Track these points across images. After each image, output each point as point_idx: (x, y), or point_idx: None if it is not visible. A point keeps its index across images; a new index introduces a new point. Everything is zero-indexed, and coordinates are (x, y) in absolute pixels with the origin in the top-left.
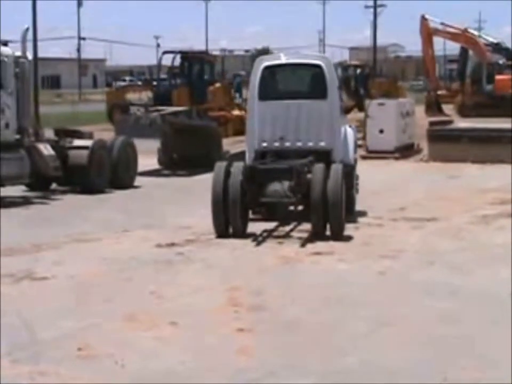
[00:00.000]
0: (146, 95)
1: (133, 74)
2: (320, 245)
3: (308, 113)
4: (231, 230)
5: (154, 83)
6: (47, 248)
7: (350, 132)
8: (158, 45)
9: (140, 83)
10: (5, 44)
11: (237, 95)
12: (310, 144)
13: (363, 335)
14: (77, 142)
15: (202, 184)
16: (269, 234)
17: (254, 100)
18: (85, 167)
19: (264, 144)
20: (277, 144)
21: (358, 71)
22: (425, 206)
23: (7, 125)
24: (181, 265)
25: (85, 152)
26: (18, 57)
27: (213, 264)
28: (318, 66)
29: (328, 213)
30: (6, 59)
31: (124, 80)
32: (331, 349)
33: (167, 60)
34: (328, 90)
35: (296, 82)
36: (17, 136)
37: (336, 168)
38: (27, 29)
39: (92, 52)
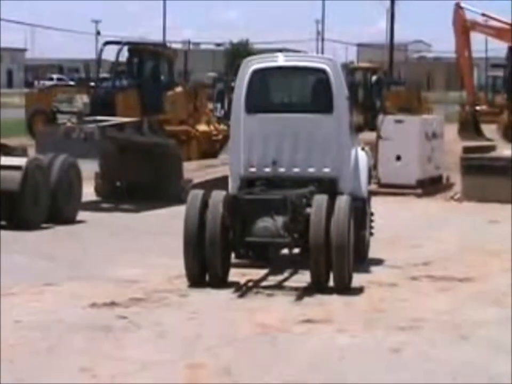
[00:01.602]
0: (80, 100)
1: (63, 71)
2: (315, 308)
3: (308, 131)
4: (207, 277)
5: (92, 84)
6: None
7: (362, 156)
8: (98, 33)
9: (72, 83)
10: None
11: (218, 106)
12: (311, 170)
13: None
14: (5, 161)
15: (155, 223)
16: (254, 284)
17: (240, 113)
18: (17, 194)
19: (252, 170)
20: (268, 169)
21: (369, 76)
22: (457, 261)
23: None
24: (124, 333)
25: (17, 175)
26: None
27: (167, 332)
28: (323, 71)
29: (332, 259)
30: None
31: (51, 79)
32: None
33: (109, 53)
34: (335, 102)
35: (294, 91)
36: None
37: (343, 201)
38: None
39: (7, 38)
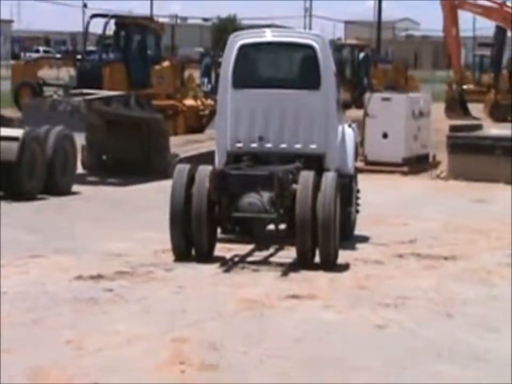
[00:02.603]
0: (67, 73)
1: (50, 44)
2: (301, 283)
3: (295, 107)
4: (193, 252)
5: (79, 57)
6: None
7: (349, 133)
8: (85, 5)
9: (58, 56)
10: None
11: (205, 80)
12: (298, 146)
13: None
14: (3, 132)
15: (141, 197)
16: (240, 259)
17: (227, 88)
18: (14, 165)
19: (239, 145)
20: (255, 145)
21: (356, 53)
22: (442, 240)
23: None
24: (110, 305)
25: (14, 145)
26: None
27: (153, 306)
28: (310, 46)
29: (318, 235)
30: None
31: (37, 51)
32: None
33: (96, 26)
34: (322, 78)
35: (281, 66)
36: None
37: (329, 177)
38: None
39: None
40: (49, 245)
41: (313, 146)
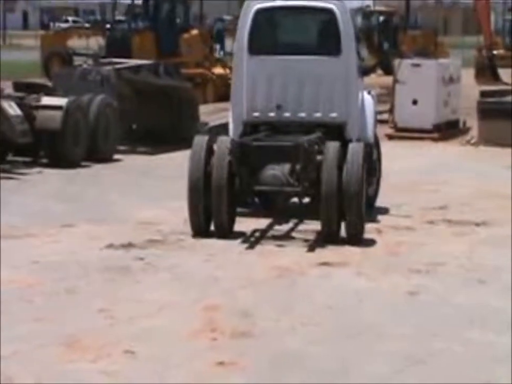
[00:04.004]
0: (96, 42)
1: (78, 14)
2: (330, 253)
3: (314, 74)
4: (212, 227)
5: (108, 26)
6: None
7: (368, 100)
8: None
9: (87, 25)
10: None
11: (218, 46)
12: (317, 115)
13: (386, 378)
14: (46, 100)
15: (171, 166)
16: (262, 234)
17: (243, 55)
18: (58, 133)
19: (256, 114)
20: (272, 114)
21: (385, 19)
22: (473, 206)
23: None
24: (141, 274)
25: (58, 114)
26: None
27: (184, 274)
28: (330, 11)
29: (344, 208)
30: None
31: (66, 21)
32: None
33: None
34: (343, 44)
35: (299, 32)
36: None
37: (356, 149)
38: None
39: None
40: (81, 215)
41: (333, 115)
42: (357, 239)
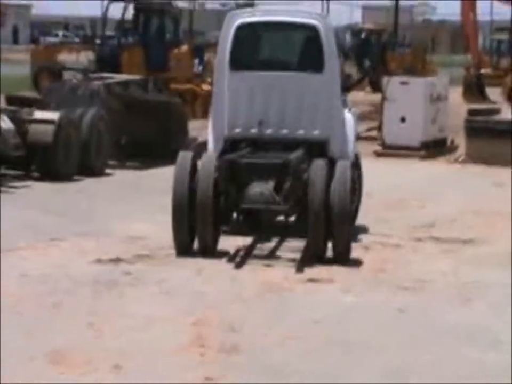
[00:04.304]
0: (86, 57)
1: (68, 29)
2: (317, 269)
3: (297, 90)
4: (195, 246)
5: (98, 41)
6: None
7: (349, 118)
8: None
9: (77, 40)
10: None
11: (196, 61)
12: (300, 132)
13: None
14: (39, 114)
15: (159, 180)
16: (246, 253)
17: (224, 70)
18: (50, 147)
19: (237, 130)
20: (254, 130)
21: (374, 37)
22: (460, 223)
23: None
24: (129, 288)
25: (50, 128)
26: None
27: (172, 289)
28: (313, 27)
29: (332, 227)
30: None
31: (56, 36)
32: None
33: (115, 11)
34: (326, 61)
35: (282, 48)
36: None
37: (344, 167)
38: None
39: None
40: (69, 228)
41: (316, 132)
42: (344, 258)
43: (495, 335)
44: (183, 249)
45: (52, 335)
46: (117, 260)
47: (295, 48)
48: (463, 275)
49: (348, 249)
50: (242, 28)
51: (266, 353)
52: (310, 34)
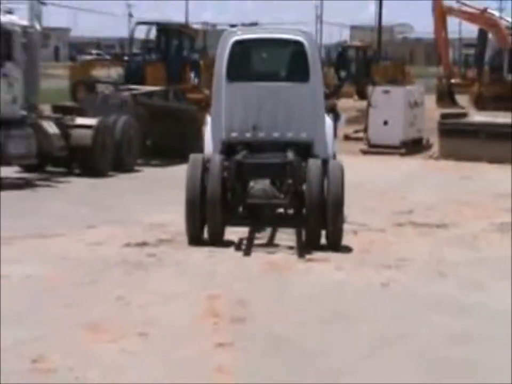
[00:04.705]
0: (116, 72)
1: (101, 48)
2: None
3: (286, 99)
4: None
5: (126, 58)
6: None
7: (328, 122)
8: (131, 15)
9: (108, 57)
10: (10, 12)
11: (192, 74)
12: (289, 135)
13: (361, 355)
14: (80, 121)
15: (179, 177)
16: (249, 242)
17: (221, 81)
18: (89, 148)
19: (234, 134)
20: (248, 134)
21: (360, 53)
22: (435, 210)
23: (14, 100)
24: (153, 268)
25: (89, 132)
26: (26, 27)
27: (189, 269)
28: (299, 43)
29: (327, 219)
30: (14, 29)
31: (90, 54)
32: (323, 370)
33: (140, 32)
34: (311, 72)
35: (272, 61)
36: (24, 113)
37: (336, 165)
38: None
39: (54, 19)
40: (102, 217)
41: (303, 134)
42: (337, 246)
43: (463, 305)
44: (196, 239)
45: (88, 308)
46: (142, 244)
47: (284, 61)
48: (437, 254)
49: (340, 238)
50: (237, 44)
51: (270, 323)
52: (297, 49)
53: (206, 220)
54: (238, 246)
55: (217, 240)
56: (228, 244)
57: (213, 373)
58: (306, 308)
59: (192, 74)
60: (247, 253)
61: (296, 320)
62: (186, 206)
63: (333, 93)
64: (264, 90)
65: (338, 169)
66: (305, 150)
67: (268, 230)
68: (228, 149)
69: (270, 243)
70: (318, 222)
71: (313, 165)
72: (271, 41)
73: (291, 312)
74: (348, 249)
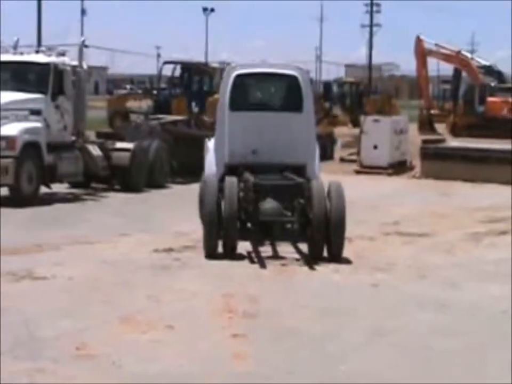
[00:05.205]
0: (146, 104)
1: (134, 83)
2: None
3: (283, 126)
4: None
5: (154, 92)
6: (48, 248)
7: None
8: (159, 55)
9: (140, 91)
10: (63, 54)
11: (193, 104)
12: (286, 158)
13: (360, 344)
14: (119, 144)
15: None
16: (257, 255)
17: (225, 110)
18: (127, 168)
19: (236, 158)
20: (249, 158)
21: (354, 88)
22: (417, 222)
23: (65, 127)
24: (178, 270)
25: (127, 154)
26: (75, 66)
27: (209, 271)
28: (294, 77)
29: (330, 234)
30: (66, 68)
31: (125, 88)
32: (325, 356)
33: (167, 70)
34: (304, 103)
35: (270, 93)
36: (73, 138)
37: (337, 185)
38: (83, 41)
39: (95, 59)
40: (133, 226)
41: (298, 158)
42: (339, 259)
43: (442, 301)
44: (213, 253)
45: (123, 304)
46: (169, 250)
47: (280, 93)
48: (420, 259)
49: (341, 251)
50: (239, 78)
51: (278, 318)
52: (292, 83)
53: (222, 236)
54: (251, 259)
55: (232, 253)
56: (241, 257)
57: (230, 359)
58: (310, 304)
59: (193, 104)
60: (263, 265)
61: (301, 315)
62: (205, 224)
63: (320, 121)
64: (263, 119)
65: (339, 188)
66: (298, 171)
67: (267, 243)
68: (230, 171)
69: (276, 255)
70: (321, 236)
71: (317, 184)
72: (270, 75)
73: (297, 308)
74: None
